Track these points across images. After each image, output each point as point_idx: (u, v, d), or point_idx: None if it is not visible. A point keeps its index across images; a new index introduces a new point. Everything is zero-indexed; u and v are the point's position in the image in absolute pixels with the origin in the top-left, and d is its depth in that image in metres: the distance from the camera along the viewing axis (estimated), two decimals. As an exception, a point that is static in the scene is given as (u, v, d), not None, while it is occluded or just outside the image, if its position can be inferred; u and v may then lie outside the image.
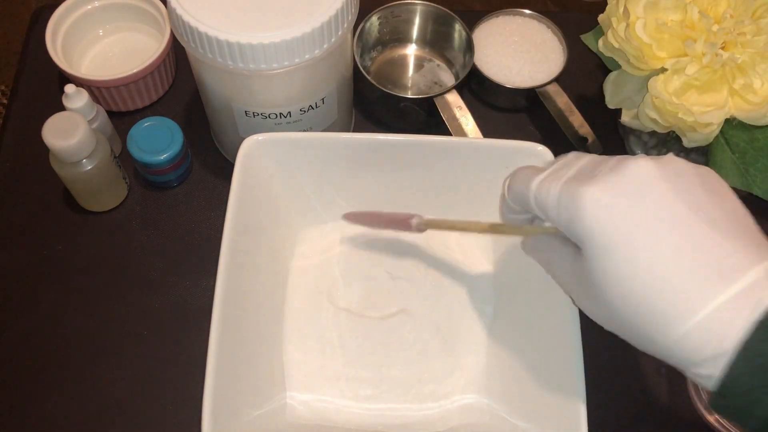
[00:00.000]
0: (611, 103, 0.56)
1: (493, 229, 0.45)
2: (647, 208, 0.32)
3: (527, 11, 0.68)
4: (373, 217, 0.52)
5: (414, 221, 0.49)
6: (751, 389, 0.30)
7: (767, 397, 0.30)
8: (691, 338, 0.31)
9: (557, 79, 0.64)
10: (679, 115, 0.49)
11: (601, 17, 0.55)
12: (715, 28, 0.49)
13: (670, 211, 0.32)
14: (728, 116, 0.50)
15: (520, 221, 0.41)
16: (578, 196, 0.33)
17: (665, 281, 0.31)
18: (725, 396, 0.31)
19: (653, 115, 0.51)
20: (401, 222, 0.49)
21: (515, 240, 0.54)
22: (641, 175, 0.33)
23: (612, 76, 0.56)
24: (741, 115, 0.50)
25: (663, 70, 0.51)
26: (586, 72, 0.69)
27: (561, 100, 0.63)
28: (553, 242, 0.39)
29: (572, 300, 0.37)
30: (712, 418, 0.51)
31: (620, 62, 0.53)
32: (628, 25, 0.50)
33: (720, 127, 0.51)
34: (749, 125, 0.52)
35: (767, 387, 0.30)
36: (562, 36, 0.67)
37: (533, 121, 0.67)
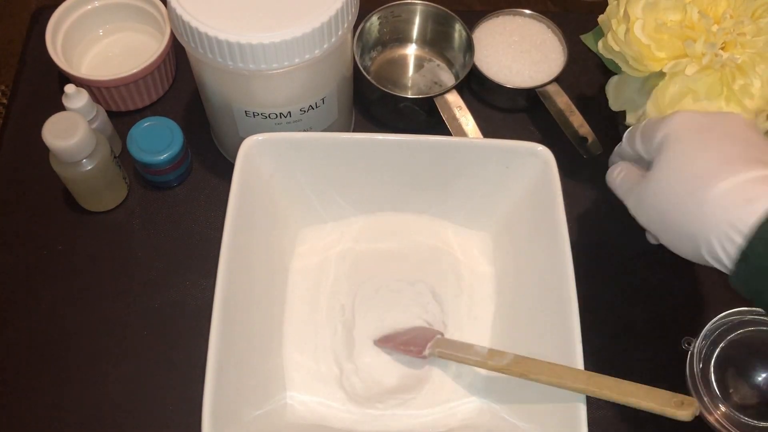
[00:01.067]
0: (614, 105, 0.56)
1: (506, 369, 0.46)
2: (716, 123, 0.43)
3: (527, 11, 0.68)
4: (395, 342, 0.52)
5: (427, 352, 0.50)
6: None
7: None
8: (729, 194, 0.39)
9: (557, 79, 0.64)
10: None
11: (600, 18, 0.55)
12: (714, 28, 0.49)
13: (732, 129, 0.43)
14: None
15: (628, 156, 0.50)
16: (658, 122, 0.45)
17: (710, 162, 0.41)
18: (747, 259, 0.38)
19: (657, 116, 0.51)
20: (417, 350, 0.50)
21: (515, 241, 0.54)
22: (729, 114, 0.45)
23: (614, 80, 0.56)
24: None
25: (662, 74, 0.51)
26: (586, 72, 0.69)
27: (561, 100, 0.63)
28: (629, 166, 0.49)
29: (629, 209, 0.46)
30: (712, 418, 0.51)
31: (620, 64, 0.53)
32: (628, 30, 0.50)
33: None
34: None
35: None
36: (562, 36, 0.67)
37: (533, 121, 0.67)
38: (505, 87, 0.64)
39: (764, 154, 0.41)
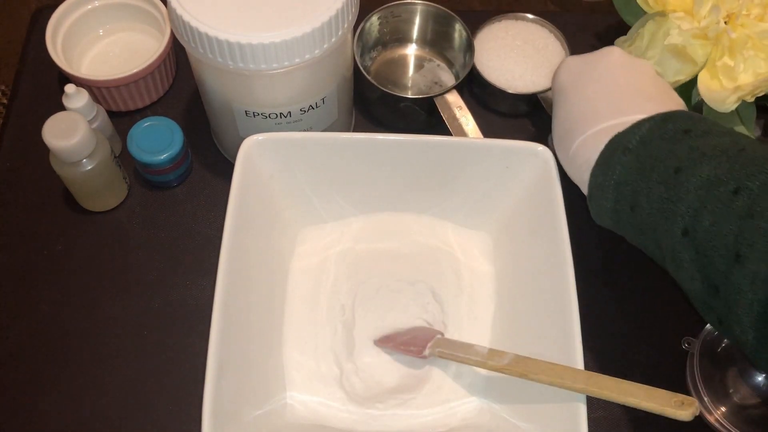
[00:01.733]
0: None
1: (507, 369, 0.46)
2: (593, 69, 0.49)
3: (530, 15, 0.68)
4: (395, 342, 0.52)
5: (427, 352, 0.50)
6: (602, 184, 0.45)
7: (610, 192, 0.45)
8: (578, 151, 0.47)
9: None
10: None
11: None
12: None
13: (605, 77, 0.48)
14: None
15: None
16: (560, 64, 0.53)
17: (577, 115, 0.48)
18: (591, 197, 0.46)
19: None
20: (417, 350, 0.50)
21: (515, 241, 0.54)
22: (605, 54, 0.50)
23: (620, 41, 0.56)
24: (705, 94, 0.50)
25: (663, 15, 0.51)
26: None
27: None
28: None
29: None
30: (711, 418, 0.51)
31: None
32: None
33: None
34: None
35: (609, 183, 0.44)
36: (565, 41, 0.66)
37: (533, 122, 0.67)
38: (507, 92, 0.64)
39: (619, 101, 0.47)
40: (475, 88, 0.67)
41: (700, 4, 0.49)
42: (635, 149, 0.44)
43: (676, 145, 0.43)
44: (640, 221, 0.44)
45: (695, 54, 0.51)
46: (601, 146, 0.45)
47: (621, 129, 0.45)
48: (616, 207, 0.45)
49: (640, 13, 0.55)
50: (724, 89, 0.50)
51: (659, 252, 0.44)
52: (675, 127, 0.44)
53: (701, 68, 0.51)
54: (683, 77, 0.52)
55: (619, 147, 0.44)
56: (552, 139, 0.51)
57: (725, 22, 0.50)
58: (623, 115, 0.46)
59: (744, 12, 0.49)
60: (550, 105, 0.61)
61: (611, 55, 0.50)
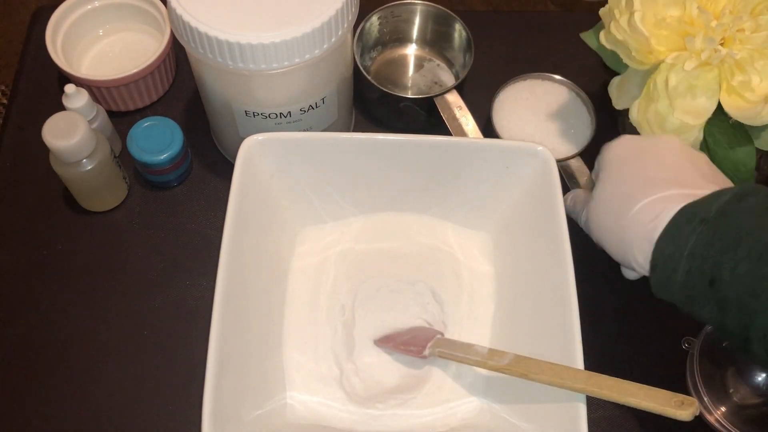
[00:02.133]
0: (618, 104, 0.56)
1: (507, 369, 0.46)
2: (647, 149, 0.48)
3: (557, 77, 0.64)
4: (395, 342, 0.52)
5: (427, 352, 0.50)
6: (672, 254, 0.42)
7: (682, 263, 0.41)
8: (642, 212, 0.44)
9: (581, 154, 0.61)
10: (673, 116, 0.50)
11: (602, 11, 0.55)
12: (713, 24, 0.49)
13: (662, 153, 0.47)
14: (712, 118, 0.50)
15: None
16: (606, 146, 0.51)
17: (640, 180, 0.46)
18: (656, 269, 0.43)
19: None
20: (417, 350, 0.50)
21: (515, 241, 0.54)
22: (665, 138, 0.49)
23: (616, 80, 0.56)
24: (737, 114, 0.50)
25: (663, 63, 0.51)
26: (586, 71, 0.69)
27: (583, 178, 0.60)
28: (578, 191, 0.54)
29: (581, 224, 0.51)
30: (711, 418, 0.51)
31: (622, 56, 0.53)
32: (632, 15, 0.50)
33: (701, 132, 0.51)
34: (732, 148, 0.52)
35: (682, 254, 0.41)
36: (592, 107, 0.62)
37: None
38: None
39: (681, 175, 0.45)
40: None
41: (691, 41, 0.49)
42: (713, 220, 0.40)
43: (765, 218, 0.40)
44: (721, 297, 0.40)
45: (707, 82, 0.50)
46: (668, 214, 0.42)
47: (692, 199, 0.42)
48: (688, 280, 0.41)
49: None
50: (752, 104, 0.49)
51: (742, 330, 0.39)
52: (758, 200, 0.41)
53: (716, 92, 0.51)
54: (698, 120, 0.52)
55: (694, 217, 0.41)
56: (581, 207, 0.50)
57: (721, 44, 0.49)
58: (690, 187, 0.43)
59: (737, 30, 0.49)
60: (571, 175, 0.60)
61: (671, 140, 0.48)
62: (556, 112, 0.63)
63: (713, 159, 0.52)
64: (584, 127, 0.62)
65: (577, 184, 0.59)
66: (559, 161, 0.57)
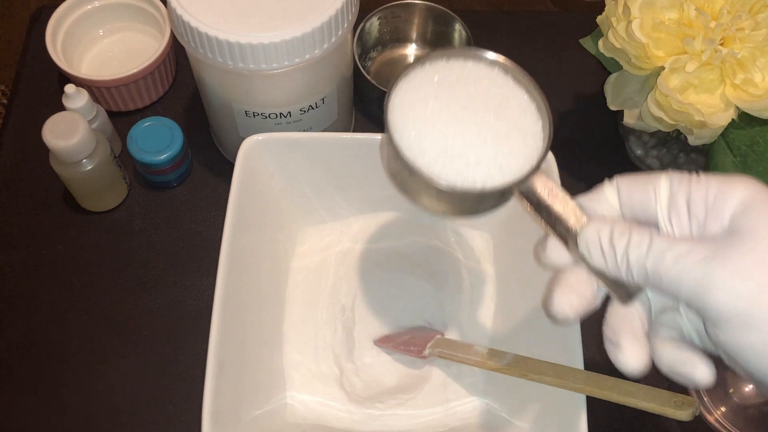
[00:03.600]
0: (613, 104, 0.56)
1: (508, 370, 0.45)
2: None
3: (491, 54, 0.38)
4: (395, 342, 0.52)
5: (427, 352, 0.50)
6: None
7: None
8: None
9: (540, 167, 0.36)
10: (690, 113, 0.49)
11: (599, 18, 0.55)
12: (712, 24, 0.49)
13: None
14: (733, 116, 0.50)
15: (563, 263, 0.36)
16: (709, 283, 0.30)
17: None
18: None
19: (658, 113, 0.51)
20: (417, 350, 0.50)
21: (515, 241, 0.54)
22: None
23: (612, 78, 0.56)
24: (744, 106, 0.50)
25: (663, 69, 0.51)
26: (586, 71, 0.69)
27: (571, 216, 0.35)
28: (635, 228, 0.33)
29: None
30: (711, 418, 0.51)
31: (621, 62, 0.53)
32: (629, 23, 0.50)
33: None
34: (749, 127, 0.52)
35: None
36: (538, 92, 0.37)
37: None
38: (459, 190, 0.35)
39: None
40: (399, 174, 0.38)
41: (690, 43, 0.49)
42: None
43: None
44: None
45: (709, 80, 0.50)
46: None
47: None
48: None
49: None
50: (758, 98, 0.49)
51: None
52: None
53: (718, 88, 0.50)
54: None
55: None
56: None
57: (721, 44, 0.49)
58: None
59: (736, 29, 0.49)
60: (541, 206, 0.36)
61: None
62: (494, 112, 0.37)
63: (727, 136, 0.52)
64: (533, 131, 0.37)
65: (559, 224, 0.35)
66: (512, 184, 0.35)
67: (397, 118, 0.37)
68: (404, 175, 0.37)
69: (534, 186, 0.36)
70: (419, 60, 0.38)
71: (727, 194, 0.32)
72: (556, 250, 0.36)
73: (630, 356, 0.34)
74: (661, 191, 0.33)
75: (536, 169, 0.35)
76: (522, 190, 0.36)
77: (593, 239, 0.33)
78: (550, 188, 0.36)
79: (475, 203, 0.37)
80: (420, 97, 0.37)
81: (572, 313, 0.35)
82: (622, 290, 0.35)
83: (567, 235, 0.35)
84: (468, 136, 0.36)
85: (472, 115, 0.36)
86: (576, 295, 0.35)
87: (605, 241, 0.33)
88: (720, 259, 0.30)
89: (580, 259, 0.34)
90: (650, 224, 0.34)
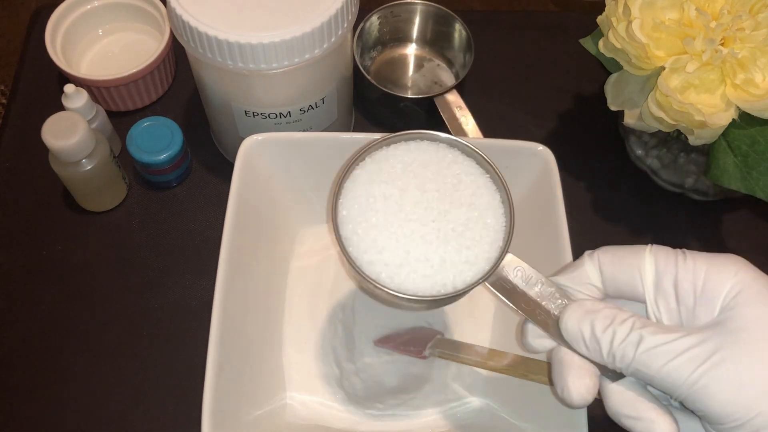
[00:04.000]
0: (613, 105, 0.56)
1: (509, 370, 0.45)
2: None
3: (442, 135, 0.37)
4: (395, 342, 0.52)
5: (427, 352, 0.50)
6: None
7: None
8: None
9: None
10: (690, 113, 0.49)
11: (599, 18, 0.55)
12: (713, 24, 0.49)
13: None
14: (734, 116, 0.50)
15: (546, 347, 0.35)
16: (703, 389, 0.29)
17: None
18: None
19: (659, 113, 0.51)
20: (417, 350, 0.50)
21: (515, 241, 0.54)
22: (759, 326, 0.30)
23: (612, 78, 0.56)
24: (745, 106, 0.50)
25: (664, 69, 0.51)
26: (586, 71, 0.69)
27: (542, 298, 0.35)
28: (632, 315, 0.32)
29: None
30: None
31: (622, 63, 0.53)
32: (630, 23, 0.50)
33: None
34: (749, 126, 0.51)
35: None
36: (498, 174, 0.37)
37: (534, 121, 0.67)
38: (428, 299, 0.34)
39: None
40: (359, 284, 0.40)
41: (690, 43, 0.49)
42: None
43: None
44: None
45: (710, 80, 0.50)
46: None
47: None
48: None
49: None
50: (759, 98, 0.49)
51: None
52: None
53: (718, 88, 0.50)
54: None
55: None
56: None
57: (721, 44, 0.49)
58: None
59: (737, 29, 0.49)
60: (514, 292, 0.35)
61: None
62: (448, 194, 0.36)
63: (728, 135, 0.52)
64: (493, 206, 0.37)
65: (538, 311, 0.34)
66: (483, 278, 0.35)
67: (350, 234, 0.35)
68: (371, 288, 0.35)
69: (506, 273, 0.34)
70: (357, 154, 0.36)
71: (717, 282, 0.31)
72: (539, 338, 0.35)
73: (574, 385, 0.33)
74: (646, 274, 0.32)
75: (504, 254, 0.34)
76: (492, 280, 0.34)
77: (574, 332, 0.32)
78: (523, 272, 0.34)
79: (450, 299, 0.36)
80: (368, 204, 0.35)
81: (592, 396, 0.33)
82: (611, 372, 0.34)
83: (548, 321, 0.34)
84: (427, 236, 0.34)
85: (426, 211, 0.35)
86: (589, 377, 0.33)
87: (587, 335, 0.32)
88: (713, 362, 0.29)
89: (565, 345, 0.33)
90: (636, 300, 0.33)
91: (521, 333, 0.35)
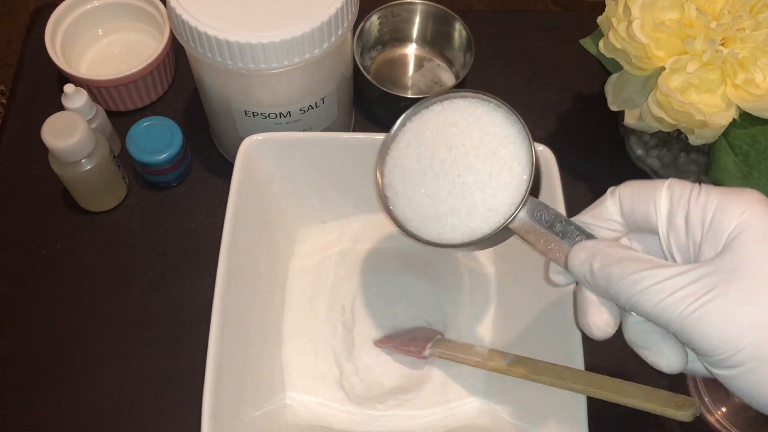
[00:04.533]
0: (613, 105, 0.56)
1: (508, 371, 0.45)
2: None
3: (469, 93, 0.40)
4: (395, 342, 0.52)
5: (427, 352, 0.50)
6: None
7: None
8: None
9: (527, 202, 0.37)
10: (691, 113, 0.49)
11: (600, 19, 0.55)
12: (713, 24, 0.49)
13: None
14: (734, 116, 0.50)
15: (567, 282, 0.37)
16: (694, 324, 0.30)
17: None
18: None
19: (659, 113, 0.51)
20: (417, 350, 0.50)
21: (515, 241, 0.54)
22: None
23: (612, 78, 0.56)
24: (746, 106, 0.50)
25: (664, 69, 0.51)
26: (586, 70, 0.69)
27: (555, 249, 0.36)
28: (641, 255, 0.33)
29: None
30: (712, 419, 0.51)
31: (622, 63, 0.53)
32: (630, 23, 0.50)
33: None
34: (750, 126, 0.51)
35: None
36: (528, 135, 0.38)
37: (535, 120, 0.67)
38: (459, 244, 0.38)
39: None
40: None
41: (691, 43, 0.49)
42: None
43: None
44: None
45: (710, 80, 0.50)
46: None
47: None
48: None
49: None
50: (759, 98, 0.49)
51: None
52: None
53: (719, 88, 0.50)
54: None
55: None
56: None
57: (721, 45, 0.49)
58: None
59: (737, 29, 0.49)
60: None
61: None
62: (474, 147, 0.39)
63: (728, 135, 0.52)
64: (517, 157, 0.38)
65: (557, 248, 0.36)
66: (511, 219, 0.36)
67: (391, 195, 0.42)
68: (412, 240, 0.41)
69: (529, 215, 0.36)
70: (399, 123, 0.42)
71: (724, 218, 0.31)
72: (559, 273, 0.37)
73: (593, 320, 0.35)
74: (661, 207, 0.33)
75: (525, 199, 0.36)
76: (516, 224, 0.37)
77: (577, 273, 0.34)
78: (545, 212, 0.36)
79: (483, 243, 0.38)
80: (404, 167, 0.41)
81: (612, 329, 0.35)
82: None
83: (562, 261, 0.36)
84: (453, 191, 0.38)
85: (453, 166, 0.39)
86: (607, 311, 0.35)
87: (588, 275, 0.33)
88: (704, 300, 0.30)
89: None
90: (655, 234, 0.34)
91: (547, 269, 0.38)
